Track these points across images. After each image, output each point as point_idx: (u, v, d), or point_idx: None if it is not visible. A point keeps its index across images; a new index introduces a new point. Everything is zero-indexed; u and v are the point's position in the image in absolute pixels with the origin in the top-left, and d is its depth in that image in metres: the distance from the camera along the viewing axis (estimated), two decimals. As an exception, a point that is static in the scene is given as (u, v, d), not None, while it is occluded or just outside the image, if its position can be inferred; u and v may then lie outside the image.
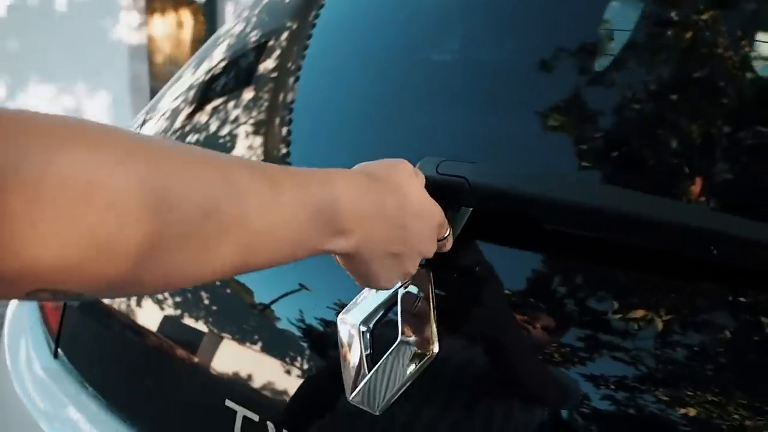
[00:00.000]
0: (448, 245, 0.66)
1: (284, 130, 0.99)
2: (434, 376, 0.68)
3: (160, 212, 0.39)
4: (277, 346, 0.83)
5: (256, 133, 1.01)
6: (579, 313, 0.66)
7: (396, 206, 0.55)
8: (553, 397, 0.66)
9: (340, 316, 0.71)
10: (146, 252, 0.39)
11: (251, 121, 1.03)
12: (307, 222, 0.48)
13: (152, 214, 0.38)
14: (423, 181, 0.62)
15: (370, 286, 0.63)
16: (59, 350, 1.09)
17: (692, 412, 0.57)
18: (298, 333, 0.81)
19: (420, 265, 0.63)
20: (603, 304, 0.66)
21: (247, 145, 1.00)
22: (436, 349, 0.67)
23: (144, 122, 1.20)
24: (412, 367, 0.67)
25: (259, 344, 0.86)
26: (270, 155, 0.97)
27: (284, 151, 0.97)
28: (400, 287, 0.69)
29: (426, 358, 0.67)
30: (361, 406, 0.70)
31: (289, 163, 0.94)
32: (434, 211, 0.61)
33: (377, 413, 0.68)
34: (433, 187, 0.64)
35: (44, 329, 1.14)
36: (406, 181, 0.58)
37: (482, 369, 0.69)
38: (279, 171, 0.48)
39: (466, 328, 0.71)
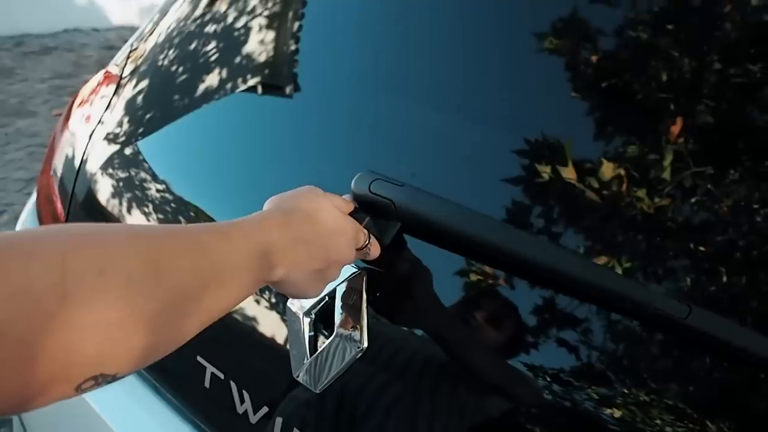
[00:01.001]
0: (374, 251, 0.73)
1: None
2: (368, 362, 0.78)
3: (159, 281, 0.47)
4: (247, 317, 0.93)
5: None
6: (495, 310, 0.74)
7: (312, 232, 0.64)
8: (473, 379, 0.75)
9: (288, 302, 0.75)
10: (159, 317, 0.47)
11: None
12: (256, 262, 0.57)
13: (153, 283, 0.47)
14: (334, 200, 0.70)
15: (300, 298, 0.73)
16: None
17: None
18: (263, 308, 0.90)
19: (358, 268, 0.74)
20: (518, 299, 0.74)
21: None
22: (365, 343, 0.77)
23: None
24: (346, 357, 0.78)
25: (232, 312, 0.95)
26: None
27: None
28: (339, 284, 0.77)
29: (358, 350, 0.77)
30: (304, 384, 0.79)
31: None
32: (346, 226, 0.68)
33: (317, 392, 0.78)
34: (365, 203, 0.74)
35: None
36: (317, 207, 0.66)
37: (410, 358, 0.78)
38: (228, 227, 0.57)
39: (397, 323, 0.80)
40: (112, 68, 1.31)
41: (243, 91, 1.07)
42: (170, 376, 1.01)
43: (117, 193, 1.13)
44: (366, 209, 0.74)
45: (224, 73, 1.10)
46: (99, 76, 1.34)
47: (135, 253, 0.46)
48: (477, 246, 0.70)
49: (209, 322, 0.54)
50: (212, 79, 1.11)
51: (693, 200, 0.66)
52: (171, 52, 1.21)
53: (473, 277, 0.76)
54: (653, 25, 0.76)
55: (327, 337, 0.78)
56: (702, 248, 0.65)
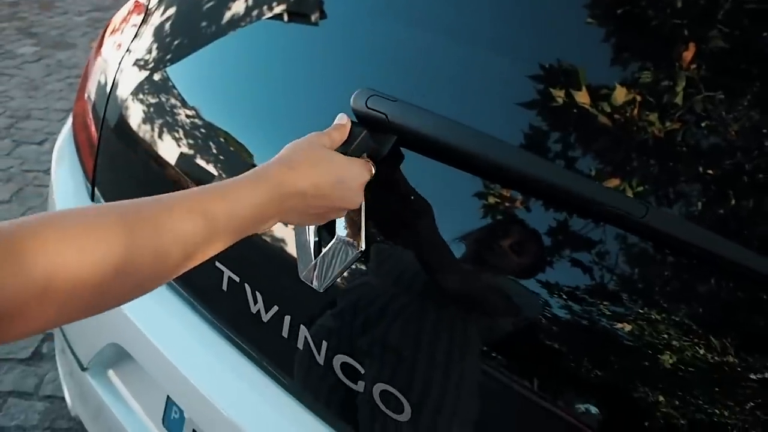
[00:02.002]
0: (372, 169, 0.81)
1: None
2: (363, 264, 0.87)
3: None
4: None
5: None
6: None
7: (313, 189, 0.72)
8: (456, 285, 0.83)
9: None
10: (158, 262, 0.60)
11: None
12: (258, 214, 0.68)
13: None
14: (333, 135, 0.78)
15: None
16: (95, 192, 1.33)
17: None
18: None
19: None
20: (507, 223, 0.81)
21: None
22: (363, 246, 0.84)
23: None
24: (346, 259, 0.86)
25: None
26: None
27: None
28: None
29: (356, 252, 0.85)
30: (308, 283, 0.88)
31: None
32: (350, 174, 0.76)
33: (321, 291, 0.87)
34: (363, 118, 0.81)
35: (83, 175, 1.38)
36: (319, 162, 0.74)
37: (402, 261, 0.86)
38: (230, 188, 0.67)
39: (391, 228, 0.88)
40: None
41: (267, 18, 1.13)
42: (192, 281, 1.11)
43: (147, 119, 1.21)
44: (364, 123, 0.82)
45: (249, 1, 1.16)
46: (129, 4, 1.41)
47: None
48: (458, 154, 0.77)
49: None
50: (238, 6, 1.17)
51: (703, 124, 0.70)
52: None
53: (464, 191, 0.83)
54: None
55: (329, 242, 0.87)
56: (710, 171, 0.70)
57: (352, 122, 0.82)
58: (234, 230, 0.66)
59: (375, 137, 0.82)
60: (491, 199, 0.80)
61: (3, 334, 0.51)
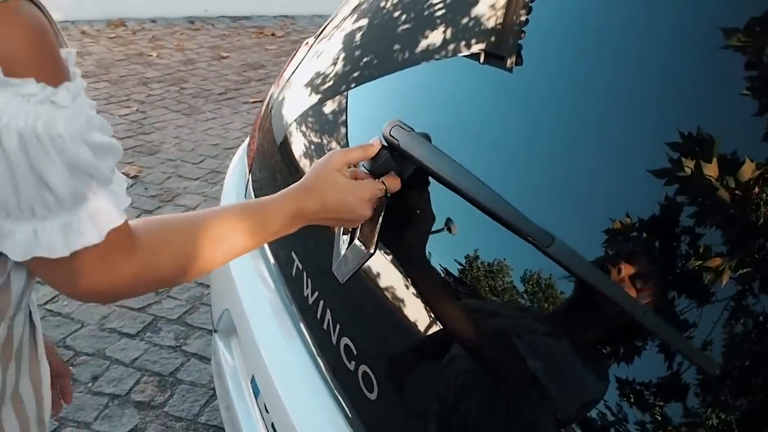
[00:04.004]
0: (393, 184, 0.98)
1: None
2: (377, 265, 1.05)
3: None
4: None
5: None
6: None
7: (322, 205, 0.94)
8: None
9: None
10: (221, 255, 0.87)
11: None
12: (287, 221, 0.93)
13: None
14: (352, 156, 0.98)
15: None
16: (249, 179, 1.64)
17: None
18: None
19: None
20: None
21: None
22: (373, 250, 1.03)
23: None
24: (360, 258, 1.05)
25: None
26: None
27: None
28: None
29: (367, 254, 1.03)
30: (336, 275, 1.09)
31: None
32: (355, 195, 0.95)
33: (342, 282, 1.08)
34: (387, 142, 0.99)
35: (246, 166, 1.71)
36: (328, 186, 0.94)
37: (402, 268, 1.02)
38: (269, 204, 0.93)
39: (398, 241, 1.04)
40: (311, 40, 1.68)
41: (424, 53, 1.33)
42: (278, 261, 1.36)
43: (285, 132, 1.48)
44: (388, 147, 1.00)
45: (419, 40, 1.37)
46: (303, 45, 1.72)
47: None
48: (438, 177, 0.94)
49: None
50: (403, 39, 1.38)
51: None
52: (355, 22, 1.52)
53: (460, 215, 0.98)
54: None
55: (349, 243, 1.06)
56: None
57: (383, 146, 1.00)
58: (267, 238, 0.94)
59: (397, 161, 1.00)
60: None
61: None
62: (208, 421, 2.15)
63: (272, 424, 1.21)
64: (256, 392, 1.32)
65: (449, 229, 0.96)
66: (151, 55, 5.82)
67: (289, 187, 0.95)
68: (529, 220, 0.82)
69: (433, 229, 0.98)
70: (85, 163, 0.65)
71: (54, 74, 0.63)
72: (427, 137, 0.99)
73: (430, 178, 0.99)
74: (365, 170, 1.01)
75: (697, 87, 0.82)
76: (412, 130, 0.99)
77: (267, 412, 1.24)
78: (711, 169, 0.73)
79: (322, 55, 1.54)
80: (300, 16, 7.46)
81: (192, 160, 3.95)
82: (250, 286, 1.40)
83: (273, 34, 6.78)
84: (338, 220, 0.98)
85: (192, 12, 7.08)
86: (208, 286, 2.46)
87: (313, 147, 1.36)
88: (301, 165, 1.35)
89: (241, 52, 6.16)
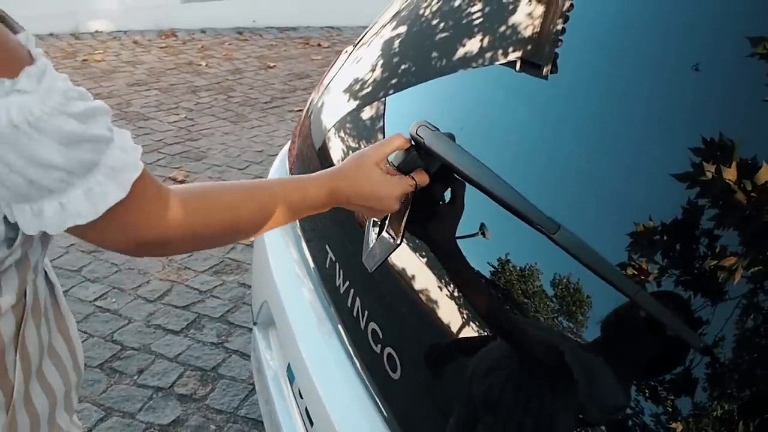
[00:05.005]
0: (421, 179, 1.03)
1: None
2: (403, 255, 1.09)
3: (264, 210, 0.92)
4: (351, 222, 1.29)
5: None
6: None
7: (356, 194, 1.00)
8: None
9: None
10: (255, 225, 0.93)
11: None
12: (324, 199, 0.98)
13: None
14: (387, 149, 1.03)
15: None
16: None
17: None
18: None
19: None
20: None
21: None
22: (399, 240, 1.08)
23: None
24: (387, 249, 1.10)
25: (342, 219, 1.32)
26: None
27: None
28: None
29: (394, 244, 1.09)
30: (366, 265, 1.14)
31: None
32: (386, 189, 1.00)
33: (371, 271, 1.14)
34: (414, 140, 1.05)
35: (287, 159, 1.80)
36: (362, 177, 1.00)
37: (425, 259, 1.07)
38: (309, 181, 0.99)
39: (425, 231, 1.09)
40: (350, 48, 1.74)
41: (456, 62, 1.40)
42: (313, 254, 1.43)
43: (333, 141, 1.54)
44: (415, 145, 1.06)
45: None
46: (343, 53, 1.79)
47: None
48: (457, 170, 1.00)
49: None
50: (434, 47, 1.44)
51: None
52: (392, 32, 1.58)
53: (482, 212, 1.02)
54: None
55: (378, 236, 1.11)
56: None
57: (410, 144, 1.06)
58: (303, 212, 0.99)
59: (423, 158, 1.05)
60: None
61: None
62: (247, 415, 2.21)
63: (306, 408, 1.26)
64: (291, 379, 1.38)
65: (483, 234, 1.01)
66: (200, 65, 5.97)
67: (328, 169, 1.02)
68: (537, 209, 0.87)
69: (467, 234, 1.02)
70: (75, 133, 0.67)
71: (9, 65, 0.63)
72: (451, 136, 1.04)
73: (454, 174, 1.04)
74: (393, 166, 1.06)
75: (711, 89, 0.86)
76: (437, 129, 1.04)
77: (301, 397, 1.29)
78: (716, 168, 0.77)
79: (360, 62, 1.60)
80: (345, 27, 7.57)
81: (237, 165, 4.05)
82: (287, 278, 1.46)
83: (319, 45, 6.89)
84: (368, 208, 1.03)
85: (240, 23, 7.24)
86: (250, 287, 2.54)
87: (350, 151, 1.42)
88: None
89: (287, 62, 6.28)
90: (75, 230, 0.73)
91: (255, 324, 1.72)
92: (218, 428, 2.16)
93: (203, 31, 7.02)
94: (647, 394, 0.75)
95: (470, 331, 0.96)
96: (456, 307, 0.99)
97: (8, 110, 0.62)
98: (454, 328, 0.98)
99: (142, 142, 4.09)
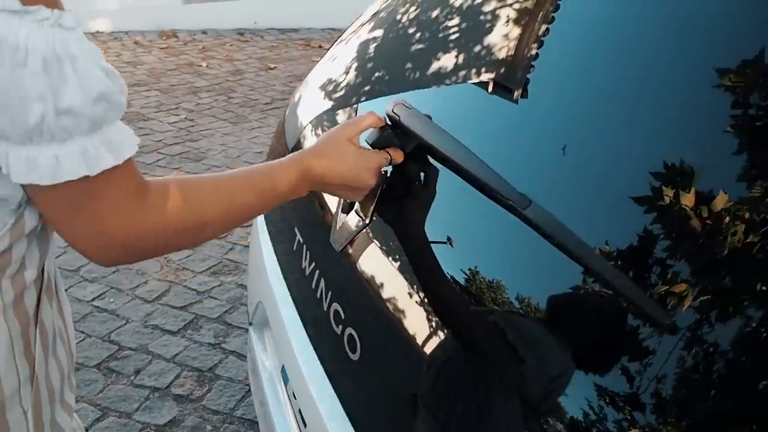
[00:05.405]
0: (396, 157, 1.03)
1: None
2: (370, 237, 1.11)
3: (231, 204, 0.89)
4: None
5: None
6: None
7: (330, 169, 0.98)
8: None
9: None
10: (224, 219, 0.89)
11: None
12: (294, 184, 0.95)
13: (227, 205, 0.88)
14: (360, 125, 1.02)
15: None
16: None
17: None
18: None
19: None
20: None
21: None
22: (368, 220, 1.08)
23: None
24: (355, 228, 1.11)
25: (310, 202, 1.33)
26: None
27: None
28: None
29: (363, 223, 1.09)
30: (332, 244, 1.17)
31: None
32: (363, 164, 0.99)
33: (338, 251, 1.15)
34: (390, 118, 1.05)
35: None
36: (340, 153, 0.98)
37: (393, 242, 1.08)
38: (278, 168, 0.95)
39: (395, 214, 1.09)
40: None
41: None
42: (280, 237, 1.45)
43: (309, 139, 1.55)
44: (391, 123, 1.05)
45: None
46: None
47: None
48: (431, 150, 1.01)
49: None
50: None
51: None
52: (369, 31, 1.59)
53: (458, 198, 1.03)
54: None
55: (347, 214, 1.13)
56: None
57: (386, 122, 1.06)
58: (276, 199, 0.96)
59: (399, 138, 1.04)
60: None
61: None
62: (244, 415, 2.22)
63: (299, 410, 1.27)
64: (285, 381, 1.38)
65: (450, 244, 1.01)
66: (200, 66, 5.99)
67: (300, 150, 1.00)
68: (510, 185, 0.88)
69: (434, 240, 1.02)
70: (99, 83, 0.70)
71: (55, 0, 0.68)
72: (428, 117, 1.05)
73: (429, 158, 1.05)
74: (367, 144, 1.06)
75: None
76: (414, 109, 1.05)
77: (295, 398, 1.29)
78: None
79: (336, 60, 1.62)
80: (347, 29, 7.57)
81: (237, 166, 4.04)
82: (282, 279, 1.47)
83: (320, 46, 6.90)
84: (344, 187, 1.01)
85: (242, 24, 7.25)
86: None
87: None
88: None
89: (288, 64, 6.29)
90: (51, 213, 0.76)
91: (251, 324, 1.72)
92: (215, 429, 2.16)
93: (204, 32, 7.03)
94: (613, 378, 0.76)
95: (428, 317, 0.97)
96: (418, 290, 1.00)
97: (54, 39, 0.66)
98: (414, 314, 0.99)
99: (142, 143, 4.09)
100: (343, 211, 1.17)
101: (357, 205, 1.12)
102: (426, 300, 0.98)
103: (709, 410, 0.70)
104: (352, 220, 1.12)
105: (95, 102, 0.70)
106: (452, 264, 0.97)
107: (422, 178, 1.06)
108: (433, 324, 0.96)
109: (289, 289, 1.38)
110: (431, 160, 1.04)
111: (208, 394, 2.30)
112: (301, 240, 1.33)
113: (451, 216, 1.03)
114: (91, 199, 0.74)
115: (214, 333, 2.59)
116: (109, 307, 2.71)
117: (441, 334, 0.95)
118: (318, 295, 1.21)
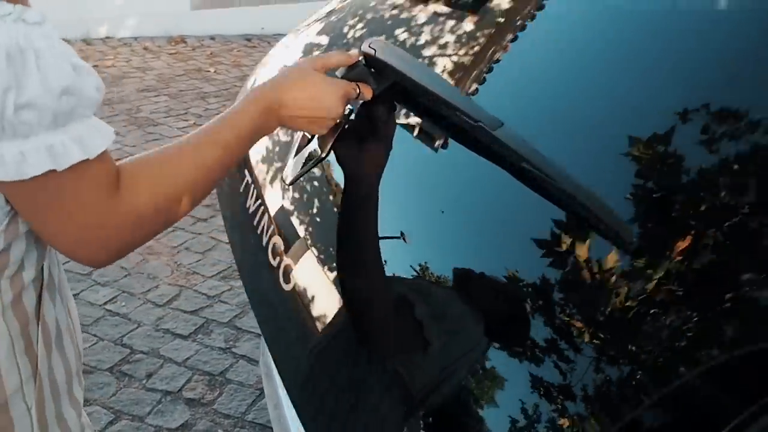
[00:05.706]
0: (366, 93, 0.97)
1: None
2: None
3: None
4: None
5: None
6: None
7: (294, 99, 0.91)
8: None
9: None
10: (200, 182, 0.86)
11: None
12: (262, 118, 0.90)
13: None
14: (330, 61, 0.97)
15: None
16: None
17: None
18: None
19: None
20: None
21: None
22: (324, 154, 1.05)
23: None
24: (310, 161, 1.10)
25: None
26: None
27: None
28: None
29: (318, 157, 1.06)
30: (284, 177, 1.19)
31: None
32: (330, 94, 0.93)
33: (287, 185, 1.19)
34: (365, 54, 1.00)
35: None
36: (305, 82, 0.93)
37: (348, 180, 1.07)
38: (241, 107, 0.91)
39: (350, 158, 1.05)
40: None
41: None
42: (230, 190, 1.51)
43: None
44: (366, 59, 1.00)
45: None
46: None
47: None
48: (409, 80, 0.99)
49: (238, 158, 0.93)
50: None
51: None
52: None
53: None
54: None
55: (305, 146, 1.11)
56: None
57: (359, 58, 1.01)
58: (243, 146, 0.91)
59: (372, 75, 1.00)
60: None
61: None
62: (255, 419, 2.24)
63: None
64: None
65: (404, 239, 1.03)
66: (209, 71, 6.01)
67: (253, 92, 0.92)
68: (481, 108, 0.93)
69: (387, 235, 1.04)
70: (65, 78, 0.69)
71: None
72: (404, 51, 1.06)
73: (396, 103, 1.05)
74: (337, 77, 1.01)
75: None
76: (388, 44, 1.03)
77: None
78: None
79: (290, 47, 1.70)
80: (354, 35, 7.60)
81: (246, 172, 4.08)
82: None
83: (327, 52, 6.93)
84: (309, 118, 0.94)
85: (249, 30, 7.28)
86: (258, 292, 2.56)
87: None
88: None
89: (295, 70, 6.31)
90: (24, 211, 0.76)
91: (264, 329, 1.74)
92: (226, 432, 2.19)
93: (212, 38, 7.06)
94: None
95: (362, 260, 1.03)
96: (360, 229, 1.04)
97: (17, 33, 0.66)
98: (354, 248, 1.04)
99: (151, 148, 4.12)
100: (299, 148, 1.14)
101: (316, 140, 1.07)
102: (359, 239, 1.03)
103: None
104: (308, 153, 1.09)
105: (60, 96, 0.69)
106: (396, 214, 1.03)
107: (383, 127, 1.02)
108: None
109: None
110: (397, 105, 1.05)
111: (219, 398, 2.32)
112: (250, 179, 1.36)
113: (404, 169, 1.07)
114: (62, 195, 0.74)
115: (224, 337, 2.62)
116: (121, 310, 2.73)
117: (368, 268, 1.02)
118: (258, 231, 1.24)
